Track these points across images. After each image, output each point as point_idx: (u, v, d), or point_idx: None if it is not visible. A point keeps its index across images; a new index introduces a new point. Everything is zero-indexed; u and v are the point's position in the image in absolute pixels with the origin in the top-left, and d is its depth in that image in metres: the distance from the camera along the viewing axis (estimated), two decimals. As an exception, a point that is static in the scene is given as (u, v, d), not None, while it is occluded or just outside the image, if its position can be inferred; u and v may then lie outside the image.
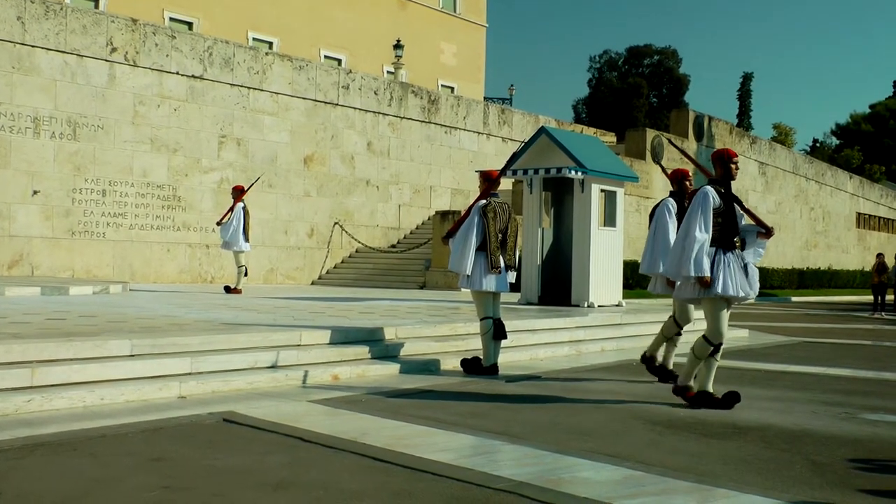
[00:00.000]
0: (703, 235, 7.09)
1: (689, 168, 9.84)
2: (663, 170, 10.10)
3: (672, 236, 8.66)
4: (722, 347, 7.43)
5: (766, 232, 7.30)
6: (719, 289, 7.07)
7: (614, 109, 74.69)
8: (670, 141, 10.88)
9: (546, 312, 13.30)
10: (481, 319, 9.26)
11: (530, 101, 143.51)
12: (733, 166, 7.34)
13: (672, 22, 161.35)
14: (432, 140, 26.86)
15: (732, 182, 7.40)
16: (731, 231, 7.19)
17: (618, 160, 17.38)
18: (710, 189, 7.23)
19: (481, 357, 9.29)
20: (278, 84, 22.45)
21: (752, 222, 7.44)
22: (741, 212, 7.38)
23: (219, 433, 5.96)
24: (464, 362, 9.28)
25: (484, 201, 9.18)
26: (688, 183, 8.97)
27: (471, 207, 9.20)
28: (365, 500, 4.42)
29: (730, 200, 7.25)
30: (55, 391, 6.57)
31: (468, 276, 9.06)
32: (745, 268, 7.19)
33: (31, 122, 18.05)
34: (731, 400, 7.34)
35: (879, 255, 27.38)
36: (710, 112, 36.94)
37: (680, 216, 8.71)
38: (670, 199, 8.92)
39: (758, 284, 7.27)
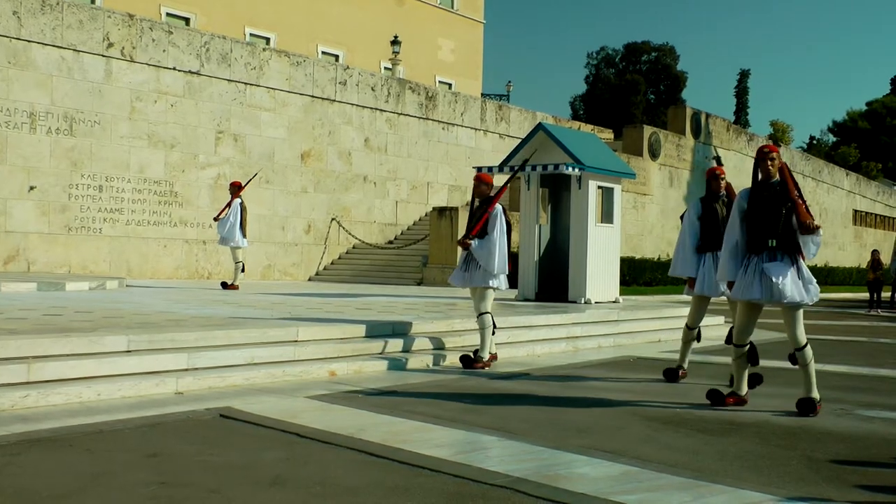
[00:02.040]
0: (731, 239, 7.24)
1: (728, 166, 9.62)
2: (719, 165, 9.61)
3: (688, 240, 8.80)
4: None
5: (803, 228, 6.94)
6: (731, 293, 7.27)
7: (612, 106, 74.67)
8: (717, 158, 9.92)
9: (543, 309, 13.30)
10: (487, 313, 9.43)
11: (528, 98, 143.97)
12: (769, 162, 7.17)
13: (669, 19, 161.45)
14: (430, 136, 26.84)
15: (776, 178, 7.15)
16: (758, 234, 7.07)
17: (615, 157, 17.38)
18: (742, 192, 7.32)
19: (479, 352, 9.41)
20: (275, 80, 22.41)
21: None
22: (788, 209, 7.05)
23: (215, 429, 5.97)
24: (463, 358, 9.33)
25: (500, 204, 9.45)
26: (716, 182, 8.79)
27: (489, 207, 9.40)
28: (362, 496, 4.42)
29: (759, 201, 7.10)
30: (51, 387, 6.57)
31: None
32: (767, 271, 6.95)
33: (27, 117, 18.01)
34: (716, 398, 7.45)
35: (874, 252, 27.40)
36: (707, 109, 37.02)
37: (704, 217, 8.73)
38: (697, 202, 8.92)
39: (780, 290, 6.87)
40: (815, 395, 7.16)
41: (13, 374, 6.56)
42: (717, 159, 8.96)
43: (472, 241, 9.35)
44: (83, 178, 18.83)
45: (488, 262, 9.33)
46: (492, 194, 9.63)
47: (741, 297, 7.15)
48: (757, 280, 7.03)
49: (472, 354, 9.40)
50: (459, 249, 9.80)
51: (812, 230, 6.87)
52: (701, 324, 9.18)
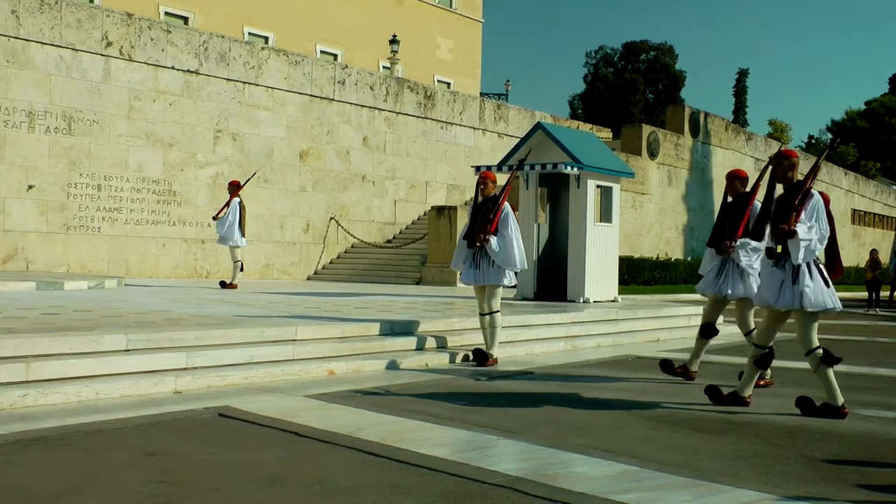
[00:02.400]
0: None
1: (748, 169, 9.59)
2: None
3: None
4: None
5: (777, 233, 7.05)
6: None
7: (610, 105, 74.65)
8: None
9: (542, 308, 13.30)
10: (498, 311, 9.65)
11: (526, 97, 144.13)
12: (778, 168, 7.17)
13: (668, 18, 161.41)
14: (428, 135, 26.83)
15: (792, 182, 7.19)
16: (774, 237, 7.14)
17: (613, 156, 17.38)
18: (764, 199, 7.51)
19: (489, 349, 9.63)
20: (274, 79, 22.40)
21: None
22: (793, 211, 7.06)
23: (214, 428, 5.96)
24: (477, 354, 9.56)
25: (507, 203, 9.65)
26: (727, 184, 8.80)
27: (500, 205, 9.53)
28: (360, 495, 4.42)
29: (771, 207, 7.20)
30: (50, 386, 6.57)
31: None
32: (770, 274, 7.11)
33: (25, 116, 18.00)
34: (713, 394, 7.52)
35: (873, 251, 27.45)
36: (705, 108, 37.02)
37: (717, 219, 8.82)
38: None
39: (765, 297, 7.13)
40: (835, 401, 6.96)
41: (12, 373, 6.56)
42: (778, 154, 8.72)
43: (491, 238, 9.38)
44: (82, 178, 18.81)
45: (507, 259, 9.42)
46: (497, 193, 9.70)
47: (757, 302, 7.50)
48: (766, 282, 7.23)
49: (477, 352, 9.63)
50: (459, 247, 9.82)
51: (786, 235, 6.84)
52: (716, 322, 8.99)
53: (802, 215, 6.90)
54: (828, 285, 6.94)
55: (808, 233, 6.83)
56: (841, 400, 6.98)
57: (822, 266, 6.99)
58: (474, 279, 9.60)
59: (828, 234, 6.95)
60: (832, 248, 7.05)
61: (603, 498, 4.44)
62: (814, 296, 6.87)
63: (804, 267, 6.91)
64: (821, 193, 7.10)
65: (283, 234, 22.78)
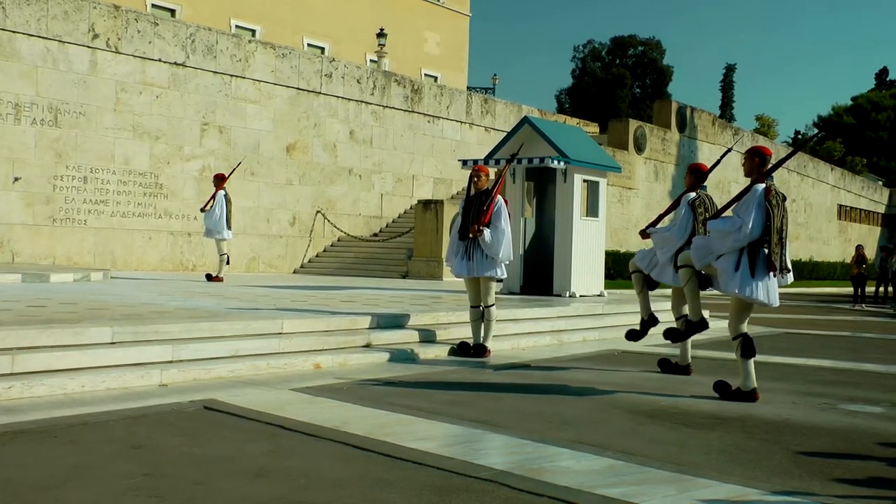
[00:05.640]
0: None
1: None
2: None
3: None
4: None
5: None
6: None
7: (597, 100, 74.69)
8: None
9: (528, 302, 13.32)
10: (493, 305, 9.82)
11: (513, 91, 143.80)
12: (744, 165, 7.59)
13: (656, 13, 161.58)
14: (415, 129, 26.80)
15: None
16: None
17: (601, 150, 17.40)
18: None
19: (485, 342, 9.76)
20: (261, 72, 22.33)
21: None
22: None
23: (200, 421, 5.95)
24: (477, 347, 9.67)
25: (500, 196, 9.68)
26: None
27: (493, 198, 9.54)
28: (346, 488, 4.42)
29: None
30: (35, 378, 6.54)
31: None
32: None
33: (11, 108, 17.89)
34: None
35: (859, 247, 27.59)
36: (692, 103, 37.09)
37: None
38: None
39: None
40: (747, 387, 7.32)
41: (-4, 366, 6.53)
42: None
43: (485, 230, 9.41)
44: (68, 170, 18.73)
45: (497, 250, 9.48)
46: (489, 187, 9.72)
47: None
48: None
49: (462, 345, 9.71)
50: (449, 241, 9.90)
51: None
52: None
53: (731, 208, 7.35)
54: (754, 276, 7.04)
55: (717, 224, 7.25)
56: (753, 385, 7.33)
57: (766, 257, 7.06)
58: (467, 271, 9.62)
59: (749, 225, 7.00)
60: (756, 243, 7.06)
61: (588, 492, 4.45)
62: (729, 282, 7.11)
63: (734, 256, 7.13)
64: (766, 186, 7.18)
65: (270, 227, 22.73)
